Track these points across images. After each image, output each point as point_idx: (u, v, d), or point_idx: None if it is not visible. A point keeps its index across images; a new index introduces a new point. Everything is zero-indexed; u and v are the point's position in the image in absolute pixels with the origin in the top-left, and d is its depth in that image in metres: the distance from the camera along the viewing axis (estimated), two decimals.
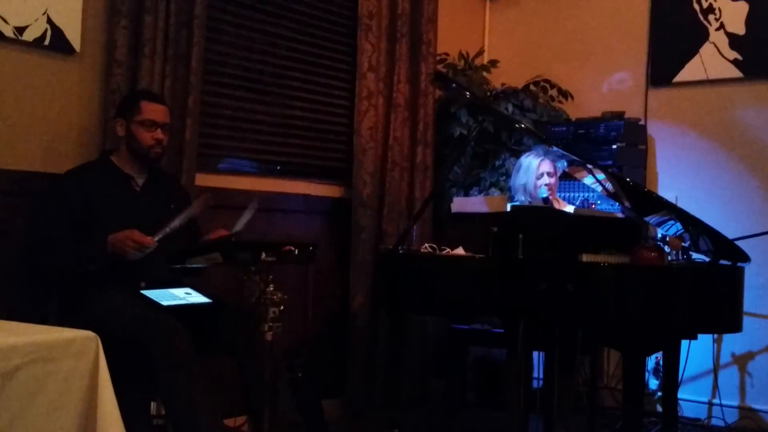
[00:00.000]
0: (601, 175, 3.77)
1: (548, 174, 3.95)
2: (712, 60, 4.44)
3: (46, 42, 3.11)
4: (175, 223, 2.83)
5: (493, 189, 4.49)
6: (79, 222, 2.88)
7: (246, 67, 3.89)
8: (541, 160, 3.96)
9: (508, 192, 4.40)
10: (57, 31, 3.12)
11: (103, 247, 2.80)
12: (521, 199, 4.02)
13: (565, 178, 4.16)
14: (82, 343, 1.98)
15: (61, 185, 2.97)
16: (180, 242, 2.94)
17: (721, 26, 4.43)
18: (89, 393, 1.97)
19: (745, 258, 3.41)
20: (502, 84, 4.80)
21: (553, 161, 3.96)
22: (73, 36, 3.17)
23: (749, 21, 4.35)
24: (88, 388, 1.97)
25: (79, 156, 3.19)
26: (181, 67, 3.44)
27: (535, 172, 3.97)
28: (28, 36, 3.06)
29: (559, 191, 4.18)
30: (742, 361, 4.28)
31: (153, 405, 2.86)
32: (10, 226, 2.99)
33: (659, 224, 3.64)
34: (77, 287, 2.87)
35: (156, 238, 2.80)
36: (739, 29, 4.38)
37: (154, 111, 3.03)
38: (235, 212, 3.11)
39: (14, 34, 3.02)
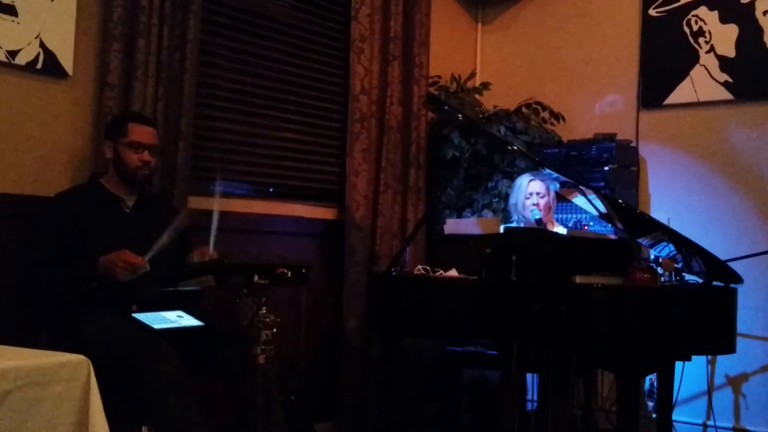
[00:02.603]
0: (593, 197, 3.78)
1: (537, 194, 3.96)
2: (703, 82, 4.47)
3: (39, 65, 3.11)
4: (164, 239, 2.82)
5: (485, 211, 4.49)
6: (69, 245, 2.87)
7: (239, 90, 3.90)
8: (531, 180, 3.98)
9: (501, 213, 4.42)
10: (50, 55, 3.13)
11: (94, 269, 2.78)
12: (516, 218, 4.03)
13: (558, 199, 4.17)
14: (73, 367, 1.96)
15: (50, 208, 2.96)
16: (172, 264, 2.92)
17: (711, 49, 4.47)
18: (81, 417, 1.96)
19: (738, 279, 3.41)
20: (495, 106, 4.82)
21: (545, 182, 3.98)
22: (66, 60, 3.18)
23: (739, 43, 4.39)
24: (79, 411, 1.95)
25: (72, 179, 3.19)
26: (173, 90, 3.44)
27: (524, 191, 3.99)
28: (21, 60, 3.06)
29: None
30: (736, 382, 4.28)
31: (144, 429, 2.83)
32: (0, 249, 2.97)
33: (652, 246, 3.65)
34: (68, 311, 2.85)
35: (147, 258, 2.79)
36: (730, 52, 4.41)
37: (140, 132, 3.03)
38: (227, 234, 3.11)
39: (7, 57, 3.02)
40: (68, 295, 2.82)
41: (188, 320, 2.92)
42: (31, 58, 3.08)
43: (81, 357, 1.99)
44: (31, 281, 2.84)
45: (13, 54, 3.03)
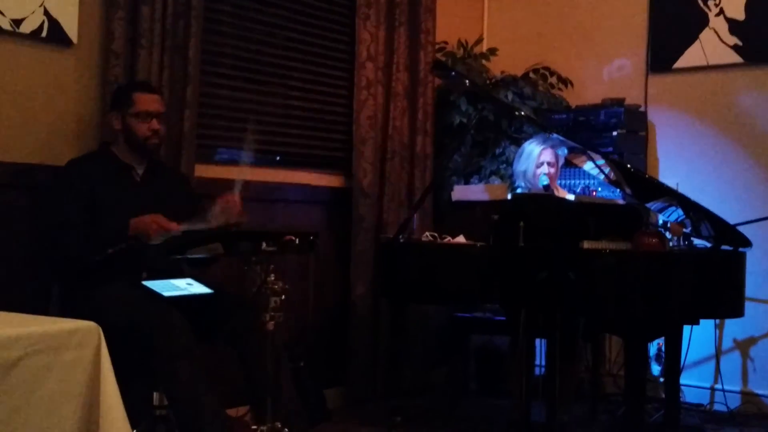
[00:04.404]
0: (601, 162, 3.76)
1: (548, 164, 3.93)
2: (712, 45, 4.43)
3: (43, 34, 3.10)
4: (203, 225, 2.82)
5: (493, 177, 4.48)
6: (85, 209, 2.89)
7: (244, 58, 3.88)
8: (543, 149, 3.95)
9: (509, 179, 4.40)
10: (54, 23, 3.11)
11: (124, 231, 2.80)
12: (521, 185, 4.01)
13: (566, 165, 4.15)
14: (84, 333, 1.97)
15: (67, 173, 2.98)
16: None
17: (721, 11, 4.42)
18: (92, 383, 1.97)
19: (747, 243, 3.40)
20: (502, 72, 4.78)
21: (555, 150, 3.96)
22: (70, 28, 3.16)
23: (749, 6, 4.34)
24: (90, 378, 1.96)
25: (78, 148, 3.19)
26: (178, 58, 3.42)
27: (535, 160, 3.96)
28: (25, 28, 3.05)
29: (560, 179, 4.17)
30: (743, 346, 4.28)
31: (156, 395, 2.86)
32: (9, 218, 2.99)
33: (660, 210, 3.64)
34: (80, 278, 2.86)
35: (182, 228, 2.80)
36: (739, 14, 4.36)
37: (147, 101, 3.03)
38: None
39: (11, 26, 3.01)
40: (97, 255, 2.83)
41: (197, 288, 2.94)
42: (35, 26, 3.07)
43: (91, 324, 2.00)
44: (61, 244, 2.86)
45: (17, 22, 3.02)
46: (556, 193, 3.98)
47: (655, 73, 4.63)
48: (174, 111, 3.39)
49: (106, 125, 3.17)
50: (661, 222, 3.66)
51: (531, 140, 4.05)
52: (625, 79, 4.72)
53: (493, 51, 4.87)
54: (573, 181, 4.27)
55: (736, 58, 4.37)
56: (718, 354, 4.24)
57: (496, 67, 4.86)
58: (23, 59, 3.08)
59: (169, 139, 3.34)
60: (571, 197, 3.97)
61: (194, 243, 2.79)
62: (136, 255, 2.83)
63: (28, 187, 3.02)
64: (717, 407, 4.22)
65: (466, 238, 3.61)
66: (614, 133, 4.33)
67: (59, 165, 3.04)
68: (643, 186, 3.72)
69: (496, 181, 4.41)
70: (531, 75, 4.73)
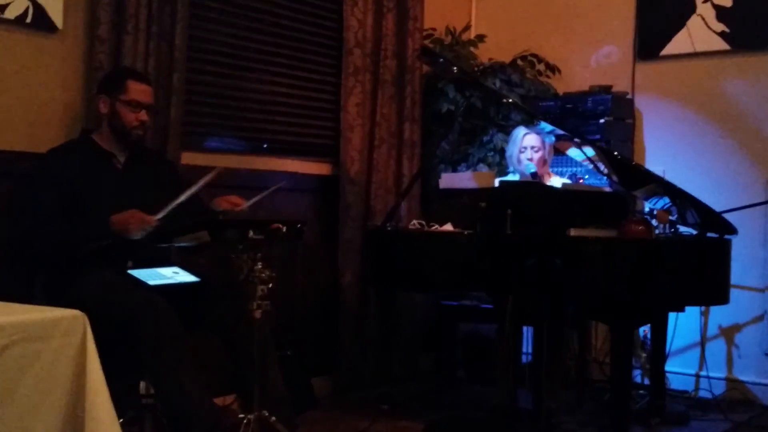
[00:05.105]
0: (588, 149, 3.77)
1: (532, 148, 3.94)
2: (700, 32, 4.43)
3: (28, 19, 3.06)
4: (180, 200, 2.80)
5: (481, 165, 4.48)
6: (65, 200, 2.86)
7: (231, 44, 3.85)
8: (526, 134, 3.96)
9: (496, 166, 4.41)
10: (39, 9, 3.08)
11: (105, 227, 2.78)
12: (512, 170, 4.02)
13: (554, 152, 4.16)
14: (69, 322, 1.96)
15: (46, 164, 2.94)
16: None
17: None
18: (77, 372, 1.96)
19: (733, 230, 3.42)
20: (490, 59, 4.78)
21: (540, 135, 3.96)
22: (56, 13, 3.13)
23: None
24: (76, 367, 1.95)
25: (63, 134, 3.16)
26: (164, 44, 3.40)
27: (519, 145, 3.97)
28: (10, 14, 3.01)
29: (551, 166, 4.18)
30: (729, 333, 4.31)
31: (142, 384, 2.85)
32: None
33: (647, 198, 3.65)
34: (64, 267, 2.85)
35: (157, 217, 2.78)
36: (726, 1, 4.36)
37: (140, 92, 3.00)
38: (220, 190, 3.10)
39: None
40: (77, 252, 2.81)
41: (184, 276, 2.93)
42: (20, 11, 3.04)
43: (77, 312, 1.99)
44: (32, 237, 2.83)
45: (2, 8, 2.99)
46: (546, 178, 3.98)
47: (643, 60, 4.63)
48: (160, 98, 3.36)
49: (91, 110, 3.14)
50: (647, 209, 3.67)
51: (520, 126, 4.06)
52: (612, 67, 4.72)
53: (480, 38, 4.86)
54: (560, 169, 4.28)
55: (724, 45, 4.37)
56: (703, 341, 4.27)
57: (484, 54, 4.85)
58: (7, 45, 3.04)
59: (155, 127, 3.32)
60: (561, 182, 3.98)
61: (180, 232, 2.78)
62: (121, 245, 2.81)
63: (10, 174, 2.99)
64: (702, 394, 4.24)
65: (454, 225, 3.61)
66: (601, 121, 4.33)
67: (43, 152, 3.01)
68: (630, 173, 3.72)
69: (483, 169, 4.41)
70: (519, 62, 4.72)
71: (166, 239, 2.82)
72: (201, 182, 2.87)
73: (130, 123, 2.98)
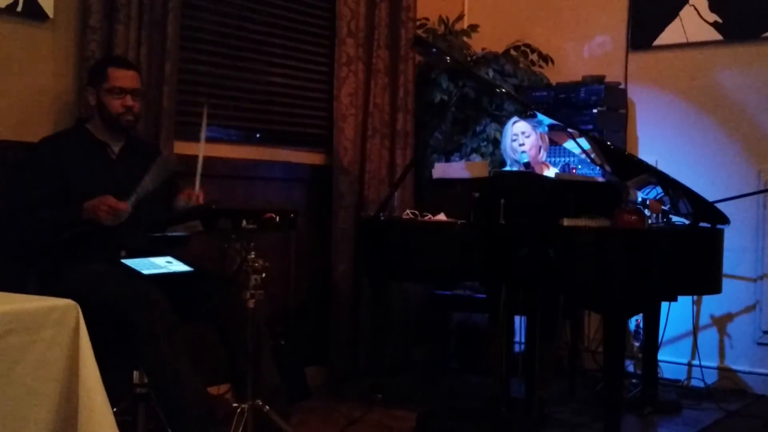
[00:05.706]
0: (581, 140, 3.77)
1: (522, 134, 3.90)
2: (692, 23, 4.43)
3: (19, 8, 3.04)
4: (146, 184, 2.79)
5: (474, 155, 4.48)
6: (56, 190, 2.85)
7: (223, 33, 3.83)
8: (515, 122, 3.94)
9: (490, 156, 4.40)
10: None
11: (79, 214, 2.77)
12: (510, 163, 4.02)
13: (549, 143, 4.15)
14: (62, 311, 1.95)
15: (36, 153, 2.93)
16: (159, 210, 2.91)
17: None
18: (71, 362, 1.95)
19: (725, 220, 3.43)
20: (483, 49, 4.77)
21: (529, 122, 3.94)
22: (47, 2, 3.11)
23: None
24: (69, 356, 1.95)
25: (54, 124, 3.15)
26: (157, 34, 3.38)
27: (510, 134, 3.96)
28: (1, 2, 2.99)
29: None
30: (721, 322, 4.33)
31: (136, 374, 2.85)
32: None
33: (640, 188, 3.66)
34: (57, 256, 2.84)
35: (129, 202, 2.77)
36: None
37: (121, 77, 2.97)
38: (214, 180, 3.09)
39: None
40: (53, 240, 2.80)
41: (177, 266, 2.92)
42: (11, 0, 3.01)
43: (69, 301, 1.98)
44: (15, 226, 2.82)
45: None
46: (539, 168, 3.98)
47: (635, 50, 4.63)
48: (152, 87, 3.35)
49: (81, 100, 3.12)
50: (640, 199, 3.68)
51: (512, 118, 4.05)
52: (605, 57, 4.72)
53: (474, 28, 4.85)
54: (553, 159, 4.28)
55: (716, 36, 4.37)
56: (695, 330, 4.28)
57: (477, 44, 4.84)
58: None
59: (147, 116, 3.31)
60: (552, 174, 3.98)
61: (173, 221, 2.78)
62: (112, 233, 2.80)
63: (3, 164, 2.97)
64: (694, 383, 4.26)
65: (447, 215, 3.61)
66: (594, 111, 4.33)
67: (35, 142, 2.99)
68: (623, 163, 3.73)
69: (476, 159, 4.41)
70: (512, 52, 4.72)
71: (158, 229, 2.81)
72: (158, 168, 2.82)
73: (116, 110, 2.96)
